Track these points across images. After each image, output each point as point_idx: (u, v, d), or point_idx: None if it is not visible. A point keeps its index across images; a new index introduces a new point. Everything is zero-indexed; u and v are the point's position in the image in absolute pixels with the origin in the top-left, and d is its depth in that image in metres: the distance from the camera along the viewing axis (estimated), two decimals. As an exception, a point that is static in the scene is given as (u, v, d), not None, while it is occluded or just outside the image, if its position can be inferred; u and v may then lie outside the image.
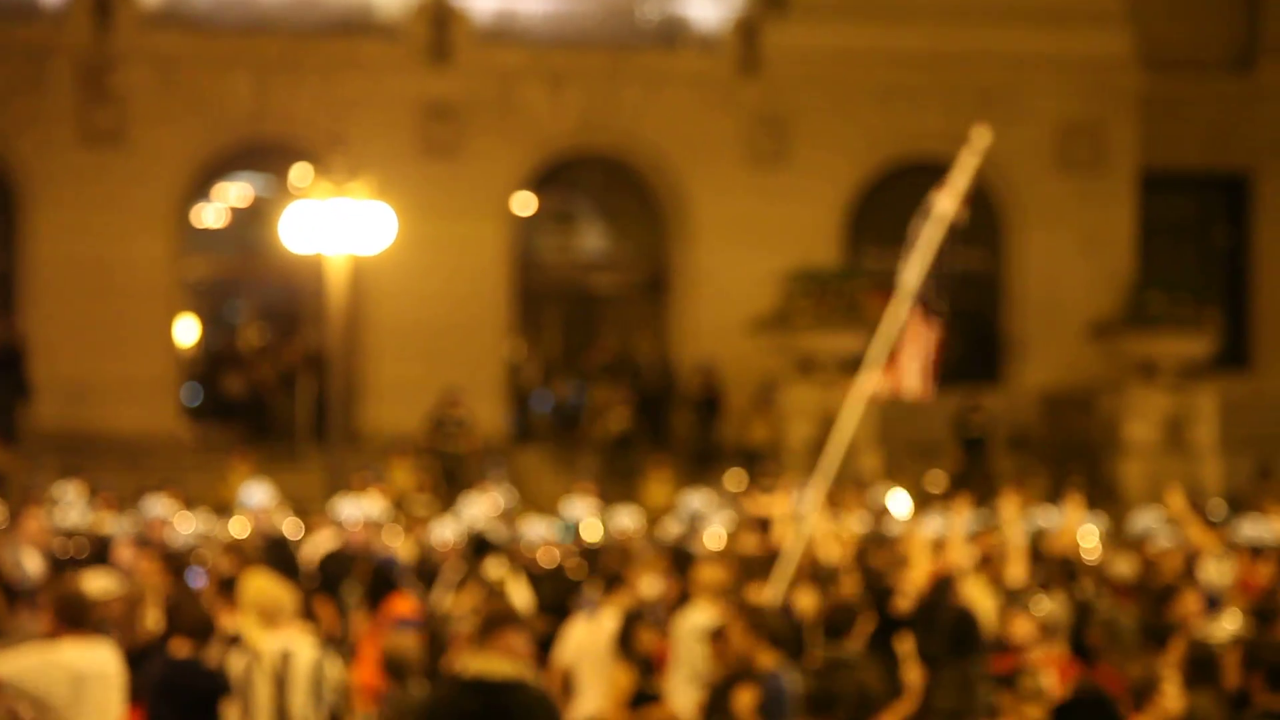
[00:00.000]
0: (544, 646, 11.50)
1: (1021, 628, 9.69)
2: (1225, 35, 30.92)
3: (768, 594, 11.13)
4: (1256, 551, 14.31)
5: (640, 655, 10.90)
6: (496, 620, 8.15)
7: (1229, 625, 10.73)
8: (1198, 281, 29.28)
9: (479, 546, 14.43)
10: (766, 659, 8.97)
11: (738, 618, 9.30)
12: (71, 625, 8.74)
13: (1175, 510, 14.41)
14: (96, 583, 10.77)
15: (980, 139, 11.91)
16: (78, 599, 8.93)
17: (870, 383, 11.71)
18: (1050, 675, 9.12)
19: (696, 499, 18.27)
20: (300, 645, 9.77)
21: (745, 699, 8.80)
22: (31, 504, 15.51)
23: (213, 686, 9.45)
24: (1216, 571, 13.80)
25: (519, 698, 7.93)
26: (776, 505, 15.13)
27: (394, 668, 9.71)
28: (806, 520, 12.17)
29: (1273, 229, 31.02)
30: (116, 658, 8.93)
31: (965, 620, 10.06)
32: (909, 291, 11.48)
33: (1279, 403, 29.32)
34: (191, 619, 9.80)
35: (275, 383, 27.15)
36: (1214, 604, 12.26)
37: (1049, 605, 9.92)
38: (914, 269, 11.47)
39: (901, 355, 11.52)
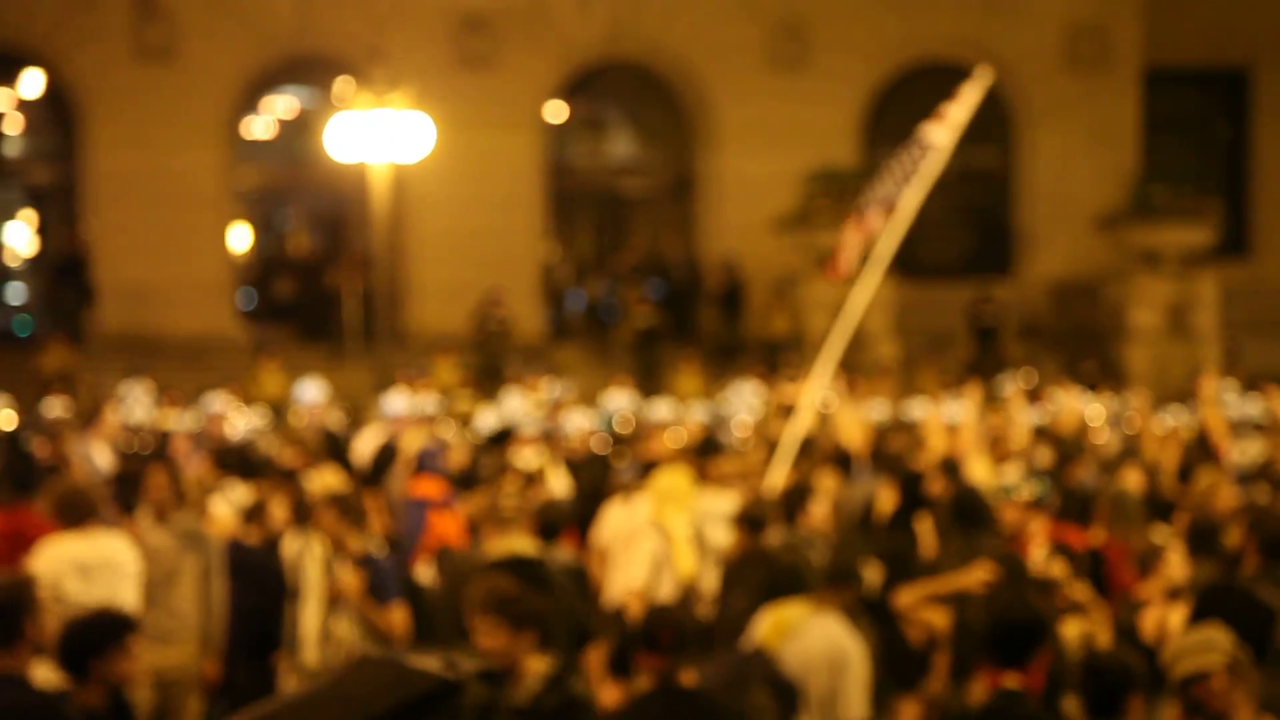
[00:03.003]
0: (582, 528, 11.65)
1: (1009, 514, 9.80)
2: (1226, -65, 30.56)
3: (775, 476, 11.22)
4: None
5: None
6: (512, 513, 8.76)
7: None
8: (1199, 174, 29.15)
9: (500, 437, 14.51)
10: (356, 543, 9.00)
11: (329, 505, 9.16)
12: (73, 521, 8.87)
13: (1206, 395, 14.27)
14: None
15: (983, 77, 11.90)
16: (76, 496, 9.04)
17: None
18: (1041, 547, 9.23)
19: (738, 390, 18.30)
20: None
21: (350, 579, 8.82)
22: (106, 401, 15.67)
23: (279, 572, 9.60)
24: (1239, 451, 13.80)
25: (548, 571, 8.55)
26: (801, 393, 15.21)
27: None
28: (814, 407, 12.23)
29: (1271, 122, 30.84)
30: (128, 547, 9.05)
31: (969, 497, 10.11)
32: (877, 198, 11.59)
33: (1278, 288, 29.27)
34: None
35: (325, 286, 27.24)
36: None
37: (1031, 489, 10.02)
38: (889, 186, 11.54)
39: (843, 244, 11.72)
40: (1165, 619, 7.80)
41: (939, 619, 8.65)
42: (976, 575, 8.56)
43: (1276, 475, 12.06)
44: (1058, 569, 8.60)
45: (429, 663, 3.68)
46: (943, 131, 11.61)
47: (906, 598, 8.71)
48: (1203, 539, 8.63)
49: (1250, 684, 5.78)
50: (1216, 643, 5.80)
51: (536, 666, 6.33)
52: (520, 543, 9.01)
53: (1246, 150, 31.19)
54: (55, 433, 14.41)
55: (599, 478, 13.03)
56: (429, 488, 12.23)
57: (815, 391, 12.38)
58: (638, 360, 25.44)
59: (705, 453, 12.21)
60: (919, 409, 16.81)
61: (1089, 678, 5.89)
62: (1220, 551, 8.51)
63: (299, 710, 3.56)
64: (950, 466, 11.25)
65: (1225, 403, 16.61)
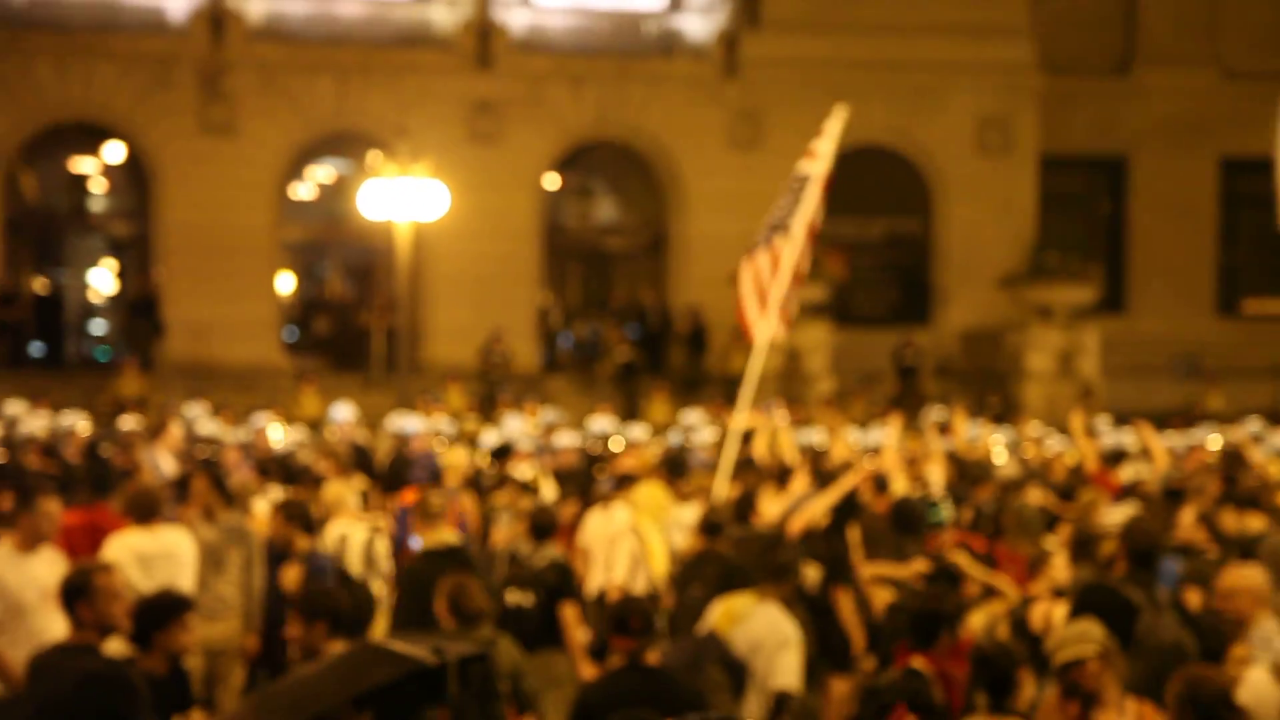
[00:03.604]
0: (570, 531, 11.65)
1: (940, 537, 9.83)
2: (1109, 44, 30.86)
3: (718, 489, 11.26)
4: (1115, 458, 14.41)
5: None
6: (439, 509, 8.99)
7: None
8: (1085, 243, 29.37)
9: (500, 452, 14.51)
10: (303, 542, 9.03)
11: (277, 511, 9.22)
12: (141, 518, 8.86)
13: (1076, 428, 14.36)
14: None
15: (841, 112, 11.84)
16: (145, 497, 9.04)
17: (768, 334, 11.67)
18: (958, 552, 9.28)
19: (691, 416, 18.33)
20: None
21: (291, 575, 8.83)
22: (171, 418, 15.65)
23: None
24: (1134, 472, 13.80)
25: (469, 555, 8.86)
26: (753, 421, 15.24)
27: None
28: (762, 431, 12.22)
29: (1145, 200, 31.10)
30: (186, 540, 9.04)
31: (907, 507, 10.16)
32: (764, 238, 11.34)
33: (1148, 339, 29.47)
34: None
35: (356, 324, 27.26)
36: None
37: (949, 510, 10.08)
38: (774, 220, 11.37)
39: (749, 304, 11.35)
40: (1050, 613, 7.84)
41: (883, 596, 8.81)
42: (915, 567, 8.70)
43: (1145, 494, 12.11)
44: (964, 563, 8.69)
45: (416, 649, 3.69)
46: (814, 163, 11.59)
47: (867, 572, 8.87)
48: (1083, 547, 8.68)
49: (1118, 669, 5.84)
50: (1091, 634, 5.84)
51: (334, 650, 6.18)
52: (446, 534, 9.07)
53: (1124, 224, 31.44)
54: (128, 443, 14.38)
55: (583, 488, 13.05)
56: (417, 496, 12.23)
57: (741, 419, 12.40)
58: (617, 390, 25.47)
59: (674, 471, 12.23)
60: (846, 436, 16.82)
61: (979, 669, 5.91)
62: (1097, 558, 8.55)
63: (299, 688, 3.58)
64: (880, 482, 11.32)
65: (1100, 433, 16.68)
